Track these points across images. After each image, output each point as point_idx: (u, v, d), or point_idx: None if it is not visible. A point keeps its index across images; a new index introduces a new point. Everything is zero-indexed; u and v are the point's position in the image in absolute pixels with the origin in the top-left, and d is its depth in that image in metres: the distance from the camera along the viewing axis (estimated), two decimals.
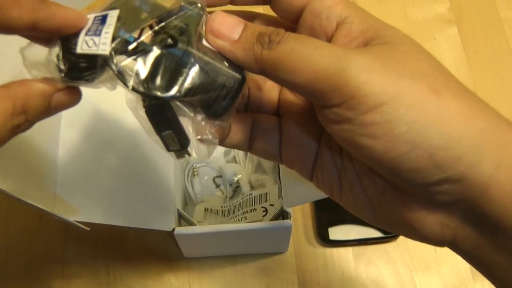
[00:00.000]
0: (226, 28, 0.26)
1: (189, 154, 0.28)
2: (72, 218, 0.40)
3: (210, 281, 0.54)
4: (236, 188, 0.56)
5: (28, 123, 0.25)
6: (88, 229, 0.41)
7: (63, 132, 0.44)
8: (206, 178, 0.57)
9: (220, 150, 0.58)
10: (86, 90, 0.46)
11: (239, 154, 0.57)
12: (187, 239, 0.47)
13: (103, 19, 0.25)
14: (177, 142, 0.27)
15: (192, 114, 0.26)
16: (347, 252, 0.55)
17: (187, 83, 0.25)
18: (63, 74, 0.25)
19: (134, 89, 0.25)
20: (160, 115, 0.26)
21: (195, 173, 0.56)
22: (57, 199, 0.41)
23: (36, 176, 0.39)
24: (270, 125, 0.30)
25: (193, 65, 0.25)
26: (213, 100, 0.26)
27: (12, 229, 0.55)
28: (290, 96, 0.30)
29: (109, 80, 0.26)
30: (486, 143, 0.22)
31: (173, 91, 0.25)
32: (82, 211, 0.41)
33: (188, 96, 0.25)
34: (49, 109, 0.25)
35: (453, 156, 0.22)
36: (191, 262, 0.54)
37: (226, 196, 0.56)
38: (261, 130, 0.30)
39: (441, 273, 0.53)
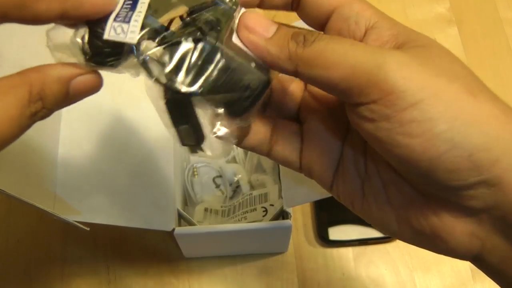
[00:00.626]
0: (260, 26, 0.25)
1: (202, 150, 0.27)
2: (72, 218, 0.40)
3: (210, 281, 0.54)
4: (236, 188, 0.56)
5: (46, 110, 0.24)
6: (88, 229, 0.41)
7: (63, 131, 0.44)
8: (206, 178, 0.57)
9: None
10: None
11: (239, 154, 0.57)
12: (187, 239, 0.47)
13: (133, 4, 0.25)
14: (193, 138, 0.27)
15: (212, 111, 0.26)
16: (347, 252, 0.55)
17: (211, 80, 0.25)
18: (87, 57, 0.25)
19: (157, 81, 0.25)
20: (180, 109, 0.26)
21: (195, 173, 0.56)
22: (57, 199, 0.41)
23: (36, 176, 0.39)
24: (291, 130, 0.30)
25: (219, 61, 0.25)
26: (236, 99, 0.26)
27: (12, 230, 0.55)
28: (313, 102, 0.30)
29: (133, 67, 0.25)
30: None
31: (196, 87, 0.25)
32: (82, 211, 0.41)
33: (210, 93, 0.25)
34: (67, 96, 0.25)
35: (492, 158, 0.22)
36: (191, 262, 0.54)
37: (226, 196, 0.56)
38: (282, 134, 0.29)
39: (441, 273, 0.53)
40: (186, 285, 0.53)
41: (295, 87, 0.30)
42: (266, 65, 0.26)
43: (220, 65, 0.25)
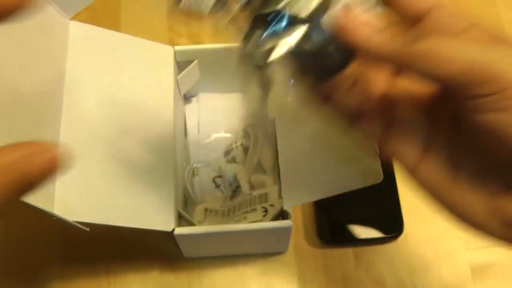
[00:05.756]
0: (367, 20, 0.27)
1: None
2: (72, 218, 0.40)
3: (210, 281, 0.53)
4: (236, 188, 0.56)
5: None
6: (88, 229, 0.41)
7: (63, 131, 0.44)
8: (206, 178, 0.57)
9: (220, 150, 0.58)
10: (87, 88, 0.46)
11: (239, 154, 0.57)
12: (187, 239, 0.47)
13: None
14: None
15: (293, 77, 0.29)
16: (347, 252, 0.55)
17: (296, 47, 0.28)
18: None
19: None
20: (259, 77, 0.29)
21: (195, 173, 0.56)
22: (57, 199, 0.41)
23: None
24: (382, 111, 0.31)
25: (304, 31, 0.28)
26: (315, 67, 0.29)
27: (12, 229, 0.55)
28: (403, 86, 0.31)
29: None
30: None
31: (275, 54, 0.28)
32: (82, 211, 0.41)
33: (294, 57, 0.28)
34: None
35: None
36: (191, 262, 0.54)
37: (226, 196, 0.56)
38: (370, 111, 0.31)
39: (441, 273, 0.53)
40: (186, 285, 0.53)
41: (379, 74, 0.32)
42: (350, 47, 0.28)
43: (305, 35, 0.28)
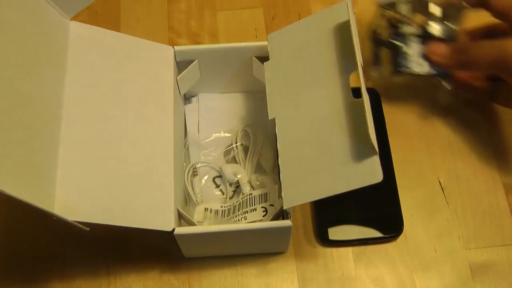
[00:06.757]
0: (440, 50, 0.54)
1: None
2: (72, 218, 0.40)
3: (210, 281, 0.54)
4: (236, 188, 0.56)
5: None
6: (88, 229, 0.41)
7: (64, 131, 0.44)
8: (206, 178, 0.57)
9: (220, 150, 0.58)
10: (87, 88, 0.46)
11: (239, 154, 0.57)
12: (187, 239, 0.47)
13: None
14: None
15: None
16: (347, 252, 0.55)
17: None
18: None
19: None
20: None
21: (195, 173, 0.56)
22: (57, 199, 0.41)
23: (36, 176, 0.39)
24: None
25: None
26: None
27: (12, 230, 0.55)
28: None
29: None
30: None
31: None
32: (82, 211, 0.41)
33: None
34: None
35: None
36: (191, 262, 0.54)
37: (226, 196, 0.56)
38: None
39: (441, 273, 0.53)
40: (186, 285, 0.53)
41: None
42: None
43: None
